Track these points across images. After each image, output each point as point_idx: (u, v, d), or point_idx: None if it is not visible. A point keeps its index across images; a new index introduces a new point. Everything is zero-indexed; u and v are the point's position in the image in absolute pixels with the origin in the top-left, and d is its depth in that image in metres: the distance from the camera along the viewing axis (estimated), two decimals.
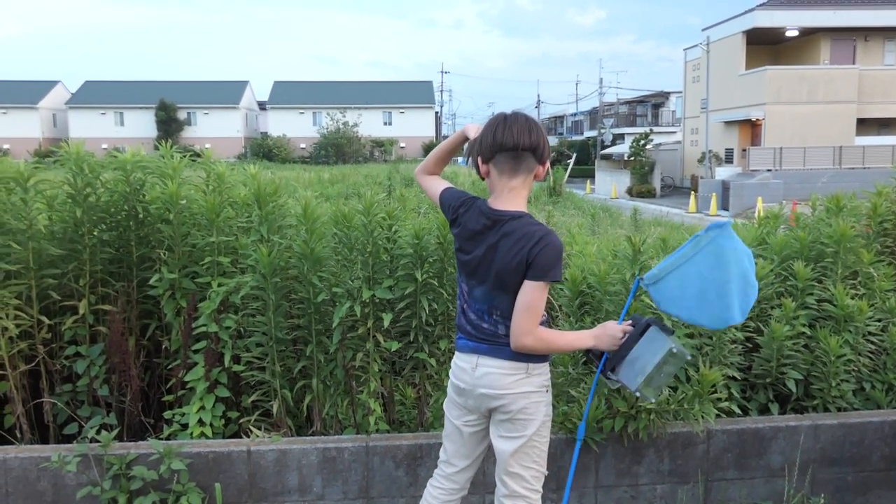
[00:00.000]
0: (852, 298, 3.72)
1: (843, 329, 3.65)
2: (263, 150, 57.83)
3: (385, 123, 65.43)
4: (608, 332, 2.51)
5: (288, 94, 65.27)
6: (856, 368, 3.68)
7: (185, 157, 3.67)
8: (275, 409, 3.37)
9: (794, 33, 33.75)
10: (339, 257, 3.42)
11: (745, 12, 33.57)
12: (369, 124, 61.54)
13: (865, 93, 31.73)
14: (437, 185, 2.74)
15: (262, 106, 68.17)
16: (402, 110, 66.02)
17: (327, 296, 3.30)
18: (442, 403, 3.42)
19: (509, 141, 2.36)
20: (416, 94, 68.03)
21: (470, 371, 2.47)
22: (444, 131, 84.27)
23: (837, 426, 3.43)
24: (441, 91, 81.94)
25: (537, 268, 2.29)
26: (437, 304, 3.31)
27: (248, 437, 3.30)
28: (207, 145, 4.61)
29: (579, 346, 2.55)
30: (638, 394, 2.53)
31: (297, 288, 3.37)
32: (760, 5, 33.14)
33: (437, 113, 72.85)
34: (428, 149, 63.07)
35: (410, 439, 3.27)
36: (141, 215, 3.61)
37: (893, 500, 3.53)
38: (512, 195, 2.42)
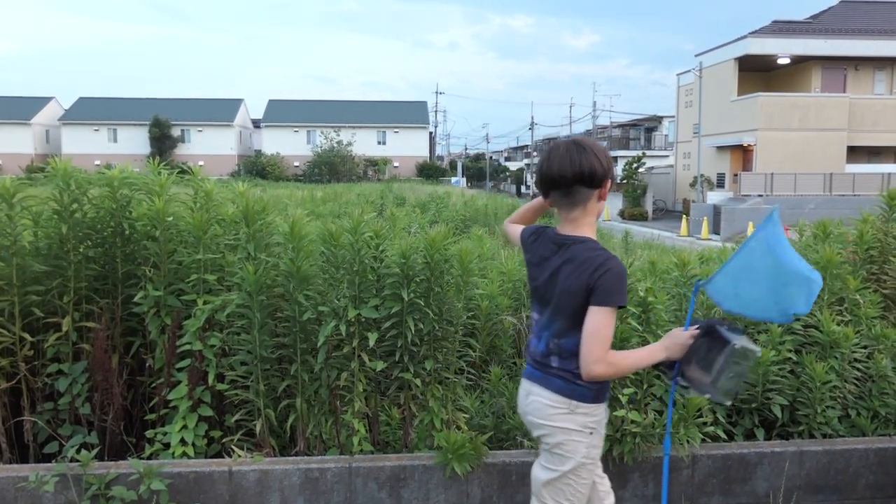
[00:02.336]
0: (838, 325, 3.73)
1: (829, 355, 3.66)
2: (257, 167, 57.92)
3: (379, 143, 65.68)
4: (676, 341, 2.42)
5: (282, 113, 65.51)
6: (841, 395, 3.68)
7: (172, 173, 3.66)
8: (258, 429, 3.33)
9: (786, 61, 34.19)
10: (326, 276, 3.41)
11: (738, 39, 34.03)
12: (363, 143, 61.78)
13: (856, 121, 32.10)
14: (517, 228, 2.74)
15: (256, 124, 68.40)
16: (396, 130, 66.31)
17: (313, 314, 3.29)
18: (426, 424, 3.41)
19: (551, 178, 2.35)
20: (411, 114, 68.39)
21: (523, 397, 2.52)
22: (438, 151, 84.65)
23: (822, 453, 3.42)
24: (435, 111, 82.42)
25: (600, 292, 2.24)
26: (424, 323, 3.29)
27: (231, 456, 3.26)
28: (201, 163, 4.61)
29: (652, 361, 2.43)
30: (709, 396, 2.46)
31: (283, 306, 3.36)
32: (752, 33, 33.58)
33: (431, 133, 73.21)
34: (422, 168, 63.42)
35: (394, 460, 3.24)
36: (127, 232, 3.59)
37: None
38: (575, 224, 2.40)
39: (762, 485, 3.39)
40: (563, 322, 2.34)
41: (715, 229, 27.01)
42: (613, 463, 3.29)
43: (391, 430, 3.71)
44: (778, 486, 3.37)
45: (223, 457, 3.33)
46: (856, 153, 32.60)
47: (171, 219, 3.53)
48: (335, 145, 59.11)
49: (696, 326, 2.46)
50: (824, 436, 3.58)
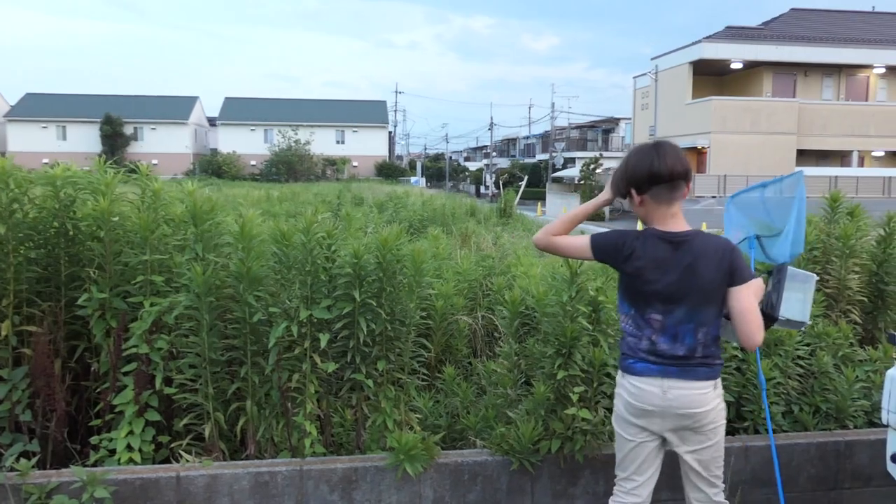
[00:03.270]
0: None
1: (774, 353, 3.75)
2: (213, 166, 56.99)
3: (338, 142, 65.24)
4: (758, 286, 2.65)
5: (239, 111, 64.60)
6: (785, 391, 3.78)
7: (118, 172, 3.58)
8: (207, 433, 3.28)
9: (739, 66, 34.99)
10: (277, 276, 3.37)
11: (692, 44, 34.70)
12: (322, 142, 61.29)
13: (805, 125, 33.01)
14: (574, 238, 2.77)
15: (212, 122, 67.29)
16: (355, 129, 65.95)
17: (263, 315, 3.25)
18: (379, 425, 3.39)
19: (665, 173, 2.49)
20: (370, 113, 68.09)
21: (660, 394, 2.55)
22: (398, 151, 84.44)
23: (767, 448, 3.50)
24: (395, 111, 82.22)
25: (740, 272, 2.51)
26: (376, 324, 3.28)
27: (179, 462, 3.20)
28: (155, 161, 4.51)
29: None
30: (785, 320, 2.84)
31: (233, 307, 3.31)
32: (707, 38, 34.28)
33: (390, 132, 73.01)
34: (381, 168, 63.18)
35: (346, 462, 3.22)
36: (71, 233, 3.50)
37: None
38: (676, 218, 2.56)
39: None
40: (710, 312, 2.53)
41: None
42: (565, 461, 3.32)
43: (344, 431, 3.68)
44: (724, 480, 3.43)
45: (171, 462, 3.26)
46: (805, 156, 33.52)
47: (116, 219, 3.45)
48: (293, 144, 58.52)
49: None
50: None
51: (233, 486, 3.11)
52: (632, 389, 2.60)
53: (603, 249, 2.67)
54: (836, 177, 29.88)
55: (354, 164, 63.05)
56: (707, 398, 2.56)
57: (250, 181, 49.66)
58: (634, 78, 42.95)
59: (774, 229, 3.06)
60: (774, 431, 3.66)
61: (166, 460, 3.34)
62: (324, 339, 3.21)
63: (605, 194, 2.76)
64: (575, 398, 3.26)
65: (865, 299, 4.54)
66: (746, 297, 2.50)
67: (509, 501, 3.33)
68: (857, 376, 3.79)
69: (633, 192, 2.56)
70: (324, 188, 31.49)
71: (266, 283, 3.35)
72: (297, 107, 66.70)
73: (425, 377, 3.79)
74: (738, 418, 3.68)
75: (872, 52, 34.30)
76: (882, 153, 35.18)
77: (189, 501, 3.08)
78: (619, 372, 2.69)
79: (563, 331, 3.30)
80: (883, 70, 35.40)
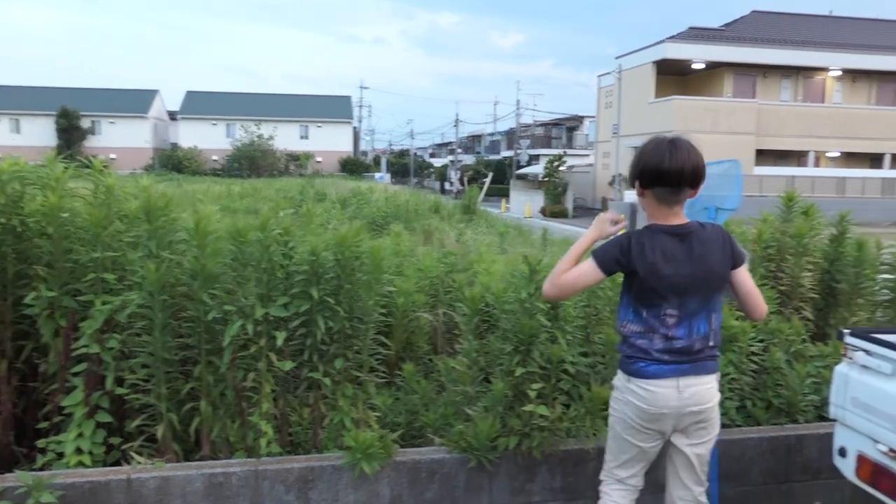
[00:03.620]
0: (737, 320, 3.88)
1: (729, 349, 3.81)
2: (173, 161, 56.04)
3: (301, 137, 64.69)
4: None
5: (201, 105, 63.59)
6: (739, 387, 3.84)
7: (69, 167, 3.48)
8: (160, 434, 3.21)
9: (701, 66, 35.55)
10: (233, 274, 3.31)
11: (656, 44, 35.16)
12: (285, 138, 60.68)
13: (763, 126, 33.69)
14: (577, 267, 2.61)
15: (172, 116, 66.17)
16: (319, 124, 65.45)
17: (218, 314, 3.19)
18: (336, 424, 3.36)
19: (673, 175, 2.48)
20: (335, 108, 67.62)
21: (676, 395, 2.54)
22: (363, 147, 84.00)
23: (720, 442, 3.54)
24: (360, 106, 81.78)
25: (739, 253, 2.63)
26: (334, 322, 3.24)
27: (131, 464, 3.13)
28: (113, 156, 4.40)
29: None
30: None
31: (187, 306, 3.24)
32: (670, 38, 34.75)
33: (355, 128, 72.62)
34: (345, 164, 62.84)
35: (302, 462, 3.19)
36: (19, 229, 3.39)
37: None
38: (679, 215, 2.57)
39: (662, 473, 3.49)
40: (718, 297, 2.62)
41: (632, 226, 27.49)
42: (522, 457, 3.33)
43: (301, 430, 3.64)
44: None
45: (122, 464, 3.19)
46: (763, 156, 34.22)
47: (66, 215, 3.35)
48: (256, 139, 57.83)
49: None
50: (723, 426, 3.71)
51: (185, 489, 3.05)
52: (644, 394, 2.54)
53: (610, 258, 2.54)
54: (794, 176, 30.62)
55: (318, 159, 62.58)
56: (714, 391, 2.63)
57: (212, 176, 48.96)
58: (599, 77, 43.36)
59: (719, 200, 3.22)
60: (728, 426, 3.72)
61: (118, 462, 3.26)
62: (280, 337, 3.17)
63: (594, 231, 2.73)
64: (533, 395, 3.27)
65: (817, 296, 4.65)
66: (749, 276, 2.68)
67: (467, 499, 3.33)
68: (808, 372, 3.87)
69: (637, 183, 2.56)
70: (287, 184, 31.19)
71: (221, 281, 3.29)
72: (261, 101, 65.94)
73: (385, 374, 3.76)
74: None
75: (829, 56, 35.13)
76: (837, 154, 36.10)
77: None
78: (623, 377, 2.63)
79: (521, 328, 3.31)
80: (839, 73, 36.30)
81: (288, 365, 3.24)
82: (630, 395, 2.58)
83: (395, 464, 3.22)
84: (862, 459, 2.83)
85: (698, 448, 2.67)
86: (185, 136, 61.42)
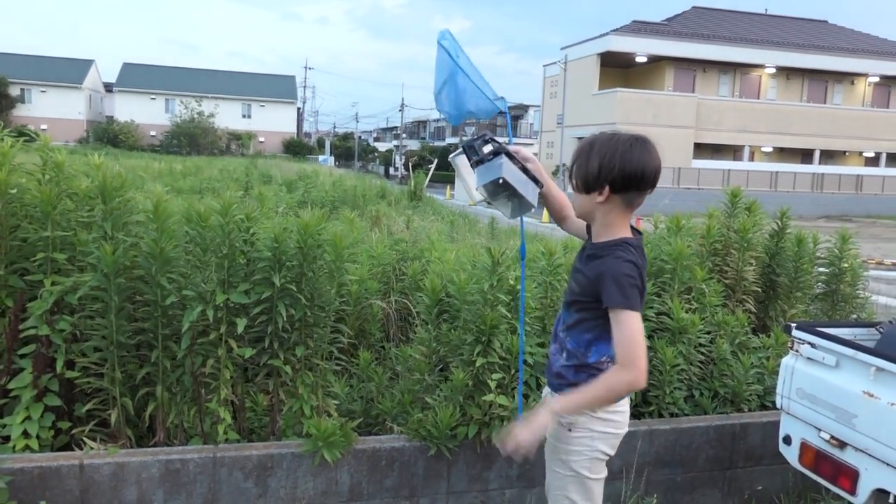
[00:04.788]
0: (686, 312, 4.02)
1: (678, 340, 3.94)
2: (108, 135, 54.05)
3: (244, 116, 63.31)
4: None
5: (139, 78, 61.47)
6: (687, 377, 3.98)
7: (18, 141, 3.34)
8: (113, 419, 3.13)
9: (643, 59, 36.25)
10: (192, 258, 3.24)
11: (600, 36, 35.67)
12: (227, 116, 59.27)
13: (702, 119, 34.63)
14: (635, 328, 2.08)
15: (108, 88, 63.72)
16: (262, 104, 64.15)
17: (177, 298, 3.12)
18: (296, 411, 3.34)
19: (653, 179, 2.16)
20: (278, 88, 66.37)
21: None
22: (306, 128, 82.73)
23: (670, 431, 3.69)
24: (304, 87, 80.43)
25: None
26: (295, 309, 3.22)
27: (82, 449, 3.05)
28: (44, 126, 4.22)
29: None
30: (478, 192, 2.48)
31: (144, 289, 3.16)
32: (614, 31, 35.31)
33: (299, 109, 71.46)
34: (289, 145, 61.79)
35: (261, 449, 3.16)
36: None
37: (715, 498, 3.85)
38: (630, 219, 2.28)
39: (616, 462, 3.60)
40: None
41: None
42: (481, 446, 3.38)
43: (256, 416, 3.61)
44: (631, 462, 3.60)
45: (73, 450, 3.10)
46: (701, 149, 35.21)
47: (14, 191, 3.22)
48: (196, 116, 56.27)
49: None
50: (672, 415, 3.85)
51: (141, 475, 2.99)
52: (618, 418, 2.30)
53: (639, 300, 2.13)
54: (730, 170, 31.58)
55: (261, 139, 61.40)
56: None
57: (149, 152, 47.46)
58: (544, 66, 43.75)
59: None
60: (677, 415, 3.86)
61: (66, 447, 3.17)
62: (241, 323, 3.12)
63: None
64: (493, 385, 3.32)
65: (759, 289, 4.84)
66: None
67: (425, 486, 3.37)
68: (752, 363, 4.04)
69: (607, 187, 2.15)
70: (229, 163, 30.50)
71: (180, 265, 3.22)
72: (202, 77, 64.14)
73: (340, 362, 3.75)
74: (644, 403, 3.85)
75: (765, 53, 36.31)
76: (770, 149, 37.44)
77: (93, 491, 2.95)
78: (594, 409, 2.23)
79: (482, 319, 3.35)
80: (773, 70, 37.57)
81: (248, 352, 3.20)
82: (600, 425, 2.25)
83: (355, 452, 3.23)
84: (805, 447, 2.97)
85: None
86: (121, 109, 59.29)
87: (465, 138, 2.80)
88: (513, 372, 3.41)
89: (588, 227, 2.44)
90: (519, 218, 2.57)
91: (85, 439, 3.10)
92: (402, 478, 3.32)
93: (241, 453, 3.11)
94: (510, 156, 2.35)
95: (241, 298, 3.16)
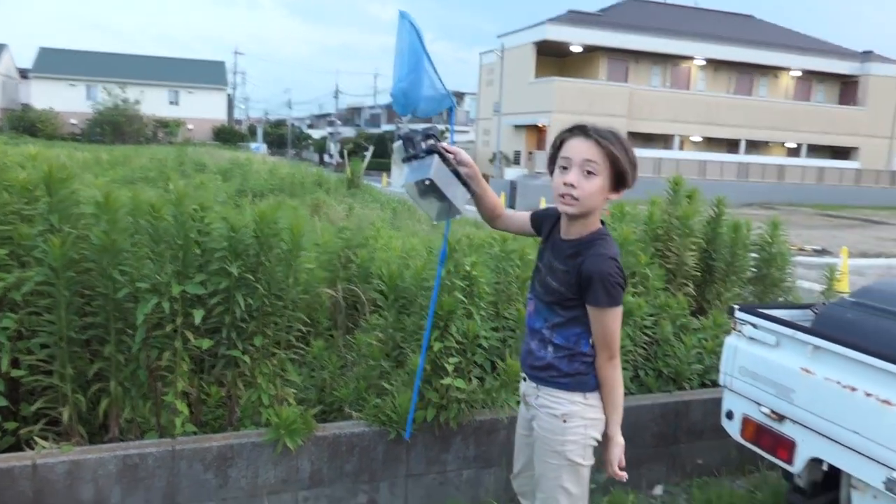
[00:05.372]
0: (632, 296, 4.17)
1: (624, 323, 4.08)
2: (24, 123, 51.43)
3: (171, 103, 61.36)
4: None
5: (57, 63, 58.72)
6: (633, 358, 4.13)
7: None
8: (65, 417, 3.06)
9: (579, 49, 36.79)
10: (146, 250, 3.18)
11: (536, 24, 36.01)
12: (153, 102, 57.20)
13: (635, 109, 35.41)
14: (617, 320, 2.25)
15: (24, 74, 60.66)
16: (190, 90, 62.31)
17: (130, 291, 3.07)
18: (254, 401, 3.33)
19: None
20: (207, 74, 64.53)
21: None
22: (237, 115, 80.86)
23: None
24: (235, 73, 78.55)
25: None
26: (253, 299, 3.20)
27: (32, 449, 2.97)
28: None
29: None
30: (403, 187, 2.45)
31: (94, 283, 3.09)
32: (550, 20, 35.70)
33: (229, 95, 69.77)
34: (218, 132, 60.25)
35: (220, 440, 3.14)
36: None
37: (659, 472, 4.02)
38: None
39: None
40: None
41: (511, 203, 28.62)
42: (439, 428, 3.45)
43: (209, 409, 3.58)
44: None
45: (23, 450, 3.02)
46: (634, 138, 35.93)
47: None
48: (120, 103, 54.09)
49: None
50: None
51: (97, 472, 2.94)
52: (601, 404, 2.36)
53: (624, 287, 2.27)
54: (661, 159, 32.48)
55: (190, 126, 59.62)
56: None
57: (71, 142, 45.48)
58: (481, 54, 43.91)
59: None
60: (624, 395, 4.00)
61: (13, 447, 3.08)
62: (198, 314, 3.09)
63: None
64: (450, 368, 3.38)
65: (698, 273, 5.05)
66: None
67: (385, 470, 3.41)
68: (693, 343, 4.22)
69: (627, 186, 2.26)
70: (158, 152, 29.54)
71: (131, 257, 3.16)
72: (126, 62, 61.72)
73: (300, 351, 3.75)
74: None
75: (694, 45, 37.37)
76: (699, 138, 38.63)
77: (48, 490, 2.88)
78: (578, 398, 2.31)
79: (439, 304, 3.40)
80: (703, 62, 38.71)
81: (206, 343, 3.17)
82: (592, 412, 2.32)
83: (315, 438, 3.25)
84: (747, 421, 3.15)
85: None
86: (38, 96, 56.55)
87: (405, 128, 2.61)
88: (469, 356, 3.48)
89: (535, 222, 2.51)
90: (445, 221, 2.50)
91: (36, 438, 3.02)
92: (363, 462, 3.36)
93: (200, 445, 3.09)
94: (444, 157, 2.33)
95: (198, 289, 3.12)
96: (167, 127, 56.99)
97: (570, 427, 2.31)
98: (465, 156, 2.43)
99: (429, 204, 2.41)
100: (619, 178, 2.22)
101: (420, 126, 2.51)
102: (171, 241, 3.13)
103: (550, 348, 2.34)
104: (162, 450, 3.03)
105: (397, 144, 2.48)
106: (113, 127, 52.64)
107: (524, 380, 2.50)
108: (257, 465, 3.16)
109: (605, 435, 2.36)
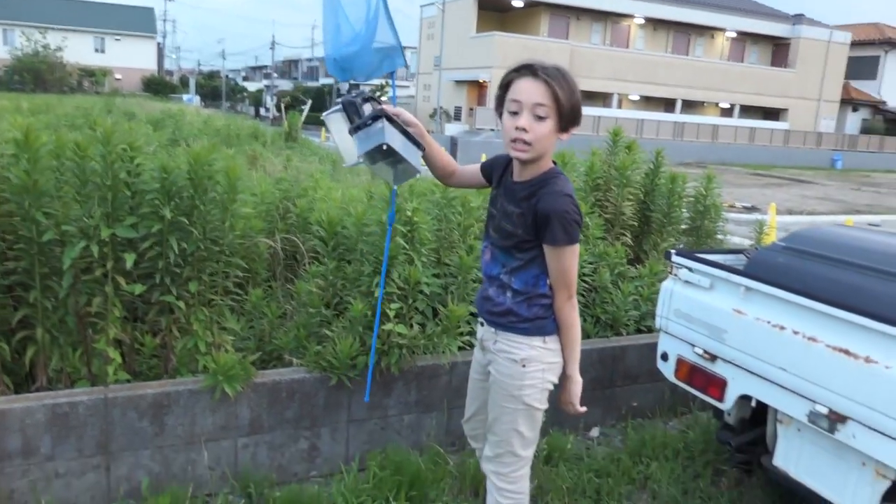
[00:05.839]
0: None
1: None
2: None
3: (97, 50, 58.53)
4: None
5: None
6: None
7: None
8: None
9: (520, 4, 36.52)
10: (72, 192, 3.03)
11: None
12: (77, 50, 54.41)
13: (575, 66, 35.46)
14: (574, 258, 2.24)
15: None
16: (117, 37, 59.50)
17: (55, 234, 2.92)
18: (190, 348, 3.25)
19: None
20: (135, 20, 61.66)
21: None
22: (168, 65, 77.71)
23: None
24: (164, 21, 75.25)
25: None
26: (188, 243, 3.10)
27: None
28: None
29: None
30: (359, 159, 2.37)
31: (16, 226, 2.93)
32: None
33: (159, 44, 66.93)
34: (148, 83, 57.90)
35: (156, 387, 3.06)
36: None
37: (596, 415, 4.14)
38: None
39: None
40: None
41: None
42: (381, 374, 3.44)
43: (143, 359, 3.48)
44: None
45: None
46: None
47: None
48: (41, 49, 51.18)
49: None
50: None
51: (25, 421, 2.83)
52: (559, 347, 2.35)
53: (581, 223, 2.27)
54: (600, 117, 32.81)
55: (117, 76, 57.07)
56: None
57: None
58: (422, 7, 43.19)
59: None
60: None
61: None
62: (129, 258, 2.97)
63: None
64: (392, 314, 3.37)
65: (636, 224, 5.14)
66: None
67: (326, 416, 3.40)
68: (630, 291, 4.32)
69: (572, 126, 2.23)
70: (84, 101, 28.19)
71: (57, 200, 3.00)
72: (46, 5, 58.27)
73: (238, 298, 3.67)
74: None
75: (634, 4, 37.60)
76: (638, 97, 39.16)
77: None
78: (538, 342, 2.30)
79: (380, 250, 3.37)
80: (642, 21, 39.04)
81: (139, 288, 3.06)
82: (550, 356, 2.32)
83: (254, 385, 3.20)
84: (681, 362, 3.25)
85: None
86: None
87: (343, 94, 2.49)
88: (410, 301, 3.48)
89: (485, 171, 2.52)
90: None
91: None
92: (303, 409, 3.33)
93: (134, 392, 3.00)
94: (390, 119, 2.28)
95: (129, 233, 3.00)
96: (93, 76, 54.32)
97: (529, 371, 2.31)
98: (408, 115, 2.39)
99: (384, 169, 2.36)
100: (569, 118, 2.19)
101: (354, 92, 2.45)
102: (100, 183, 2.99)
103: (509, 293, 2.32)
104: (94, 398, 2.93)
105: (332, 116, 2.42)
106: (34, 75, 49.82)
107: (481, 325, 2.49)
108: (194, 413, 3.10)
109: (564, 374, 2.39)
